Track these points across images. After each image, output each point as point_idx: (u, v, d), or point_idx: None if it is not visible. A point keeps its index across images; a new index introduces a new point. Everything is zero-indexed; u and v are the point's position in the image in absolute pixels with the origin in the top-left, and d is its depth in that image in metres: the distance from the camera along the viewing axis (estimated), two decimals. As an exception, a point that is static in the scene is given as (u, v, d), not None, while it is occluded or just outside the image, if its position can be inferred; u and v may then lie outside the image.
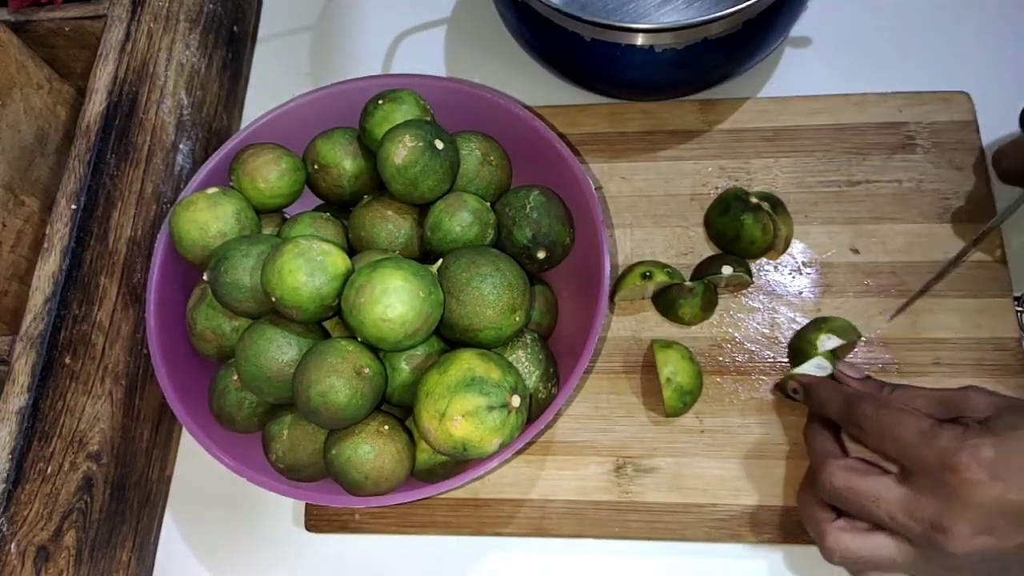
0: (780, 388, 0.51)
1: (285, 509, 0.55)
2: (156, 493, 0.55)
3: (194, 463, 0.57)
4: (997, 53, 0.60)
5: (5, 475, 0.42)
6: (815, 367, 0.49)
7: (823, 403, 0.46)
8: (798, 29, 0.61)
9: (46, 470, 0.45)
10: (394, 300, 0.43)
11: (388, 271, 0.43)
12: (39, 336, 0.45)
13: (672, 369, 0.50)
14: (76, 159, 0.50)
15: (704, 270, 0.54)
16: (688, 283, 0.53)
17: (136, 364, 0.53)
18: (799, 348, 0.52)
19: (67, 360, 0.46)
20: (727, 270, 0.52)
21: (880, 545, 0.40)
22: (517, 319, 0.46)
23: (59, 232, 0.48)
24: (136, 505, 0.53)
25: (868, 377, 0.48)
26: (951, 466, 0.37)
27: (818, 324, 0.52)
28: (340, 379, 0.43)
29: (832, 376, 0.49)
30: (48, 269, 0.47)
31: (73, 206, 0.49)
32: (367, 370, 0.44)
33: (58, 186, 0.50)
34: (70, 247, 0.48)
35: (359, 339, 0.45)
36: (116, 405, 0.50)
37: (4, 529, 0.42)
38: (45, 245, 0.48)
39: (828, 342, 0.50)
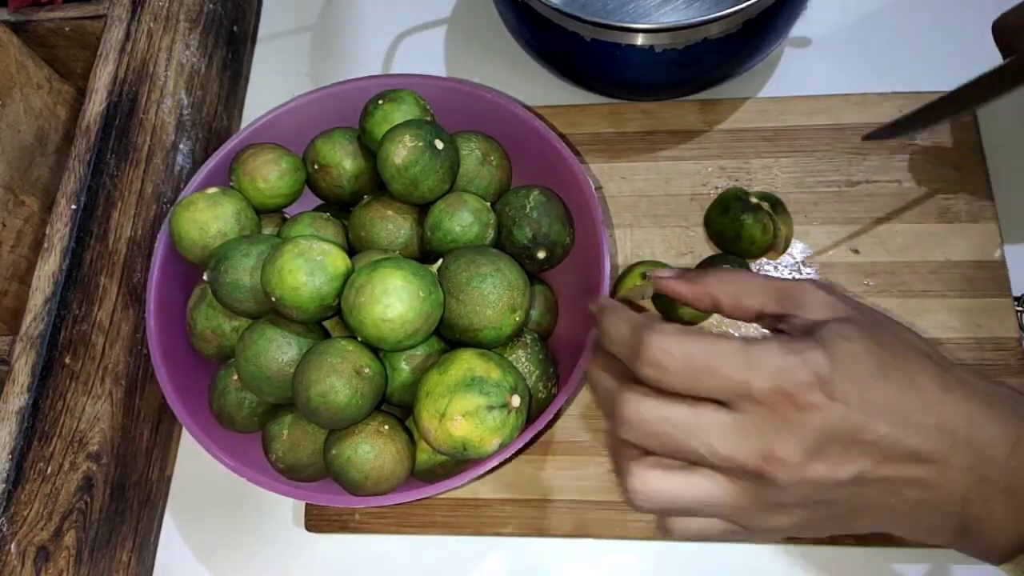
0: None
1: (285, 509, 0.55)
2: (156, 493, 0.55)
3: (194, 463, 0.57)
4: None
5: (5, 475, 0.42)
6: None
7: (609, 336, 0.35)
8: (798, 29, 0.61)
9: (46, 470, 0.45)
10: (394, 300, 0.43)
11: (388, 271, 0.43)
12: (39, 336, 0.45)
13: None
14: (76, 159, 0.50)
15: (704, 270, 0.54)
16: None
17: (136, 364, 0.53)
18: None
19: (67, 360, 0.46)
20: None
21: (696, 485, 0.32)
22: (517, 319, 0.46)
23: (59, 232, 0.48)
24: (136, 505, 0.53)
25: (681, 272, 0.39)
26: (786, 390, 0.30)
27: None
28: (340, 379, 0.43)
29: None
30: (48, 269, 0.47)
31: (73, 206, 0.49)
32: (367, 370, 0.44)
33: (58, 186, 0.50)
34: (70, 247, 0.48)
35: (359, 339, 0.45)
36: (116, 405, 0.50)
37: (4, 529, 0.42)
38: (45, 245, 0.48)
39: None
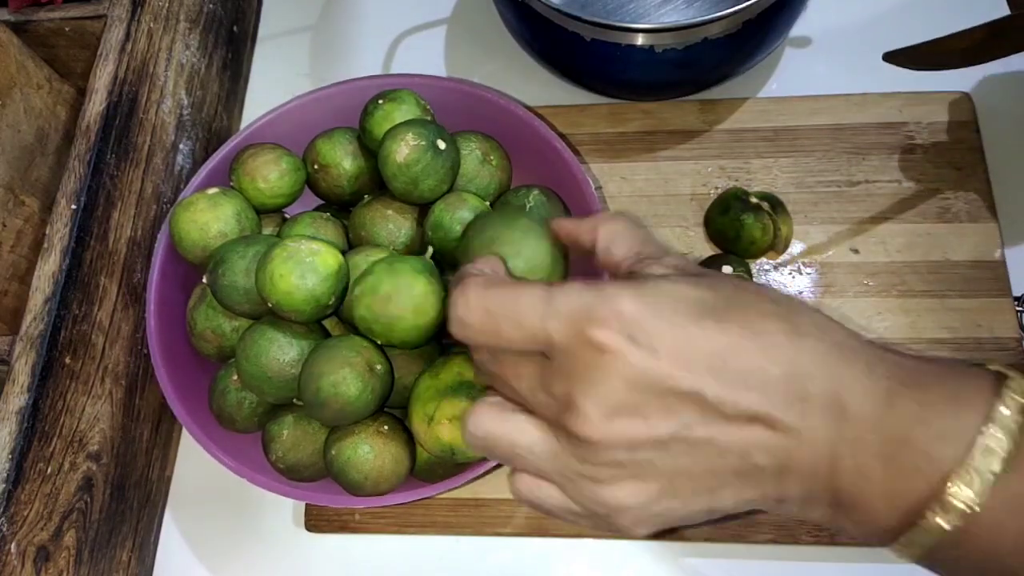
0: None
1: (285, 509, 0.55)
2: (156, 493, 0.55)
3: (194, 463, 0.57)
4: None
5: (5, 475, 0.42)
6: None
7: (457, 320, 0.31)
8: (798, 29, 0.61)
9: (46, 470, 0.45)
10: (426, 306, 0.42)
11: (410, 277, 0.42)
12: (39, 336, 0.45)
13: None
14: (76, 159, 0.50)
15: None
16: None
17: (136, 364, 0.53)
18: None
19: (67, 360, 0.46)
20: (727, 269, 0.53)
21: (519, 428, 0.29)
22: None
23: (59, 232, 0.48)
24: (136, 505, 0.53)
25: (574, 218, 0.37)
26: (581, 328, 0.27)
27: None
28: (353, 371, 0.43)
29: None
30: (48, 269, 0.47)
31: (73, 206, 0.49)
32: (379, 367, 0.44)
33: (58, 186, 0.50)
34: (70, 247, 0.48)
35: (377, 341, 0.44)
36: (116, 405, 0.50)
37: (4, 529, 0.42)
38: (45, 245, 0.48)
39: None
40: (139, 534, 0.53)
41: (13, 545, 0.42)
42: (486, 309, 0.29)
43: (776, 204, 0.55)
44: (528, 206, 0.51)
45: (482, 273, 0.31)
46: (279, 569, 0.53)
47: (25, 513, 0.43)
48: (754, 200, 0.54)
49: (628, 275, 0.32)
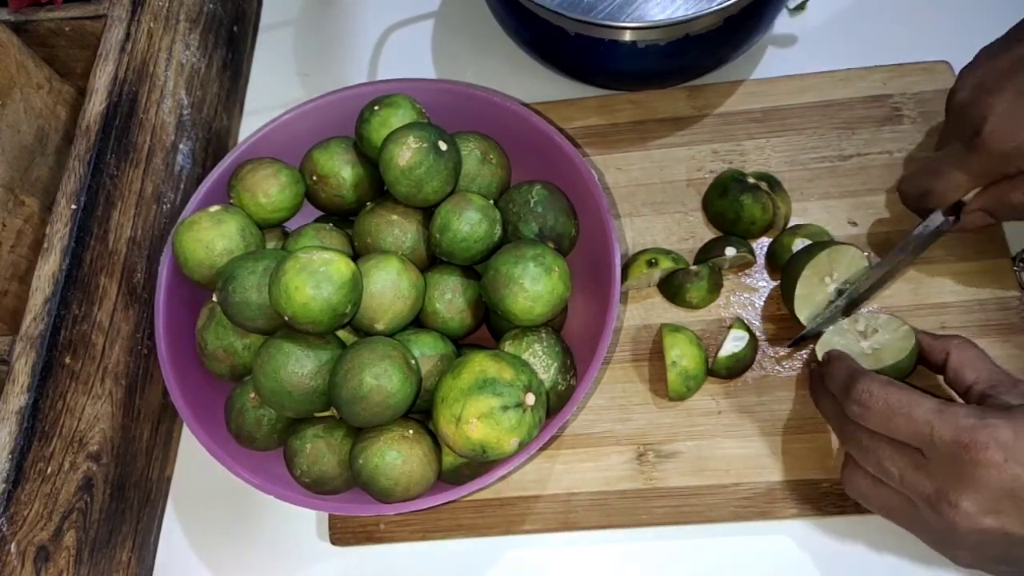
0: (809, 364, 0.52)
1: (308, 523, 0.54)
2: (156, 493, 0.55)
3: (194, 463, 0.57)
4: (973, 19, 0.61)
5: (5, 475, 0.42)
6: (733, 340, 0.51)
7: (831, 376, 0.44)
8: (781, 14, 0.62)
9: (46, 470, 0.45)
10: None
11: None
12: (39, 336, 0.45)
13: (679, 352, 0.50)
14: (76, 159, 0.50)
15: (707, 253, 0.55)
16: (693, 267, 0.53)
17: (136, 364, 0.53)
18: (774, 251, 0.54)
19: (67, 360, 0.46)
20: (730, 251, 0.53)
21: (885, 495, 0.41)
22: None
23: (59, 232, 0.48)
24: (136, 505, 0.52)
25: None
26: (967, 444, 0.36)
27: (794, 230, 0.54)
28: (393, 364, 0.43)
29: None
30: (48, 269, 0.47)
31: (73, 206, 0.49)
32: (414, 363, 0.45)
33: (58, 186, 0.50)
34: (70, 247, 0.47)
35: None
36: (116, 405, 0.50)
37: (4, 529, 0.42)
38: (45, 245, 0.48)
39: (802, 245, 0.52)
40: (139, 534, 0.53)
41: (13, 545, 0.42)
42: (887, 400, 0.39)
43: (773, 183, 0.55)
44: (532, 201, 0.51)
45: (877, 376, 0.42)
46: (280, 569, 0.53)
47: (25, 513, 0.43)
48: (751, 180, 0.54)
49: (980, 397, 0.41)
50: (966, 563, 0.40)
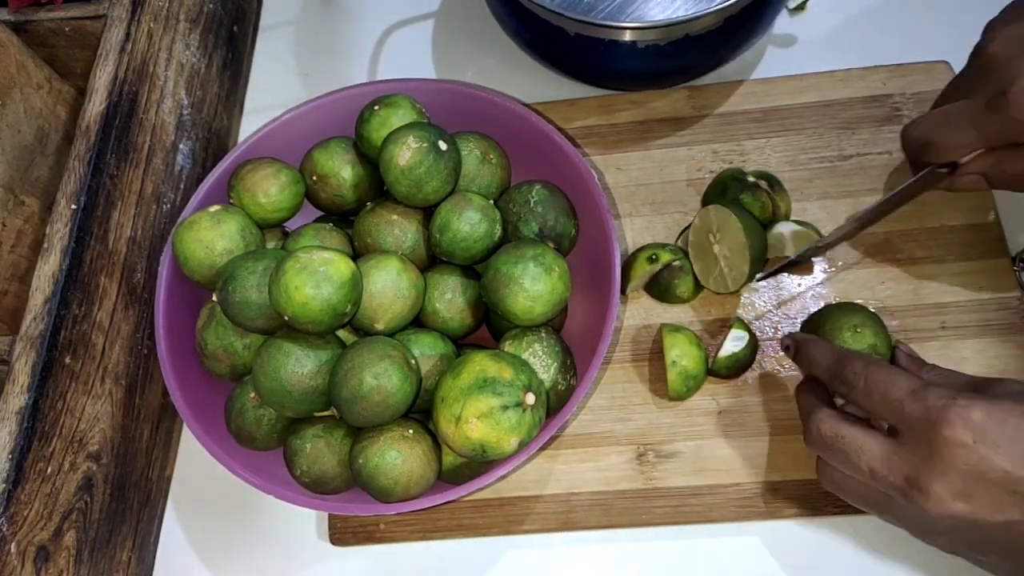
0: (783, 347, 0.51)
1: (308, 523, 0.54)
2: (156, 493, 0.55)
3: (194, 463, 0.57)
4: (973, 20, 0.61)
5: (5, 475, 0.42)
6: (733, 340, 0.51)
7: (812, 360, 0.44)
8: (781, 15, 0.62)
9: (46, 470, 0.45)
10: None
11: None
12: (39, 336, 0.45)
13: (679, 352, 0.50)
14: (76, 159, 0.50)
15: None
16: (676, 263, 0.53)
17: (136, 364, 0.53)
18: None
19: (67, 360, 0.46)
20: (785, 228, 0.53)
21: (869, 494, 0.40)
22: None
23: (59, 232, 0.48)
24: (136, 505, 0.52)
25: (915, 355, 0.48)
26: (936, 424, 0.36)
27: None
28: (393, 363, 0.43)
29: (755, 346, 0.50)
30: (48, 269, 0.47)
31: (73, 206, 0.49)
32: (414, 362, 0.45)
33: (58, 186, 0.50)
34: (70, 247, 0.48)
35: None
36: (116, 405, 0.50)
37: (4, 529, 0.42)
38: (45, 245, 0.48)
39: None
40: (139, 534, 0.53)
41: (13, 545, 0.42)
42: (867, 377, 0.40)
43: (773, 182, 0.55)
44: (532, 201, 0.51)
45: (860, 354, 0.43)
46: (281, 569, 0.53)
47: (25, 513, 0.43)
48: (751, 179, 0.54)
49: (976, 390, 0.40)
50: (947, 548, 0.40)
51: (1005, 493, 0.35)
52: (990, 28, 0.45)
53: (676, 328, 0.52)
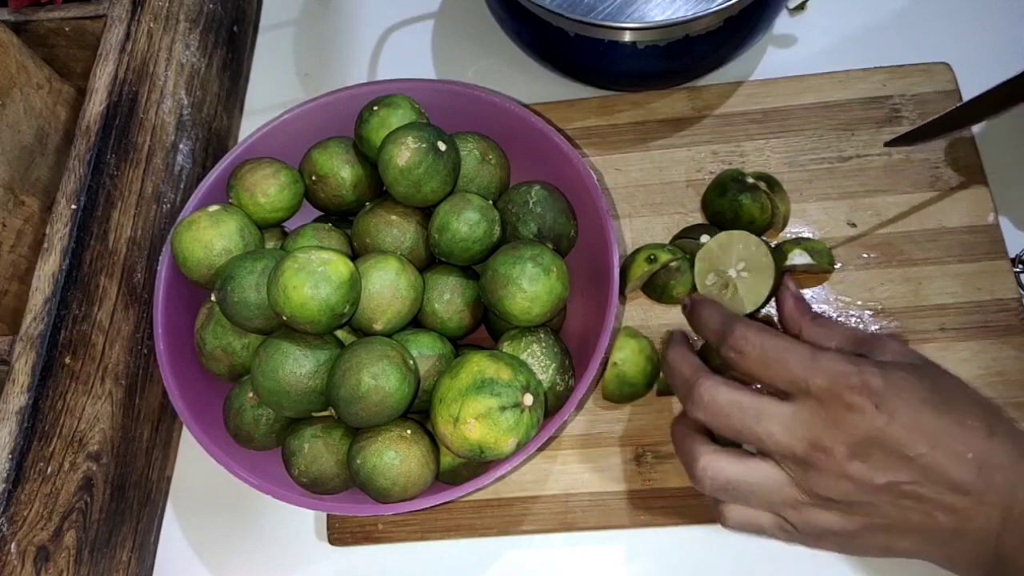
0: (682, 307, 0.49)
1: (306, 523, 0.54)
2: (156, 493, 0.55)
3: (194, 463, 0.57)
4: (974, 22, 0.61)
5: (5, 475, 0.42)
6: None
7: (703, 322, 0.43)
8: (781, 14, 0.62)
9: (46, 470, 0.45)
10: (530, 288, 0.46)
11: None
12: (39, 336, 0.45)
13: (623, 357, 0.50)
14: (76, 159, 0.50)
15: (684, 236, 0.55)
16: (673, 263, 0.53)
17: (136, 364, 0.53)
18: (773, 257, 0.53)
19: (67, 360, 0.47)
20: (705, 238, 0.52)
21: (752, 469, 0.38)
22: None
23: (59, 232, 0.48)
24: (136, 505, 0.53)
25: (801, 298, 0.47)
26: (838, 390, 0.36)
27: (798, 240, 0.53)
28: (391, 363, 0.43)
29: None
30: (48, 269, 0.47)
31: (73, 206, 0.49)
32: (412, 363, 0.45)
33: (58, 186, 0.50)
34: (70, 247, 0.48)
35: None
36: (116, 405, 0.50)
37: (4, 529, 0.42)
38: (45, 245, 0.48)
39: (799, 257, 0.52)
40: (139, 534, 0.53)
41: (13, 545, 0.42)
42: (763, 345, 0.39)
43: (772, 183, 0.55)
44: (531, 202, 0.51)
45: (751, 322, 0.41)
46: (281, 569, 0.53)
47: (25, 513, 0.43)
48: (750, 180, 0.54)
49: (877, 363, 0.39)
50: (833, 532, 0.38)
51: (896, 457, 0.36)
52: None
53: (634, 334, 0.51)
